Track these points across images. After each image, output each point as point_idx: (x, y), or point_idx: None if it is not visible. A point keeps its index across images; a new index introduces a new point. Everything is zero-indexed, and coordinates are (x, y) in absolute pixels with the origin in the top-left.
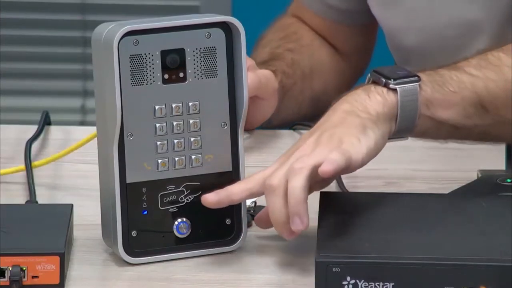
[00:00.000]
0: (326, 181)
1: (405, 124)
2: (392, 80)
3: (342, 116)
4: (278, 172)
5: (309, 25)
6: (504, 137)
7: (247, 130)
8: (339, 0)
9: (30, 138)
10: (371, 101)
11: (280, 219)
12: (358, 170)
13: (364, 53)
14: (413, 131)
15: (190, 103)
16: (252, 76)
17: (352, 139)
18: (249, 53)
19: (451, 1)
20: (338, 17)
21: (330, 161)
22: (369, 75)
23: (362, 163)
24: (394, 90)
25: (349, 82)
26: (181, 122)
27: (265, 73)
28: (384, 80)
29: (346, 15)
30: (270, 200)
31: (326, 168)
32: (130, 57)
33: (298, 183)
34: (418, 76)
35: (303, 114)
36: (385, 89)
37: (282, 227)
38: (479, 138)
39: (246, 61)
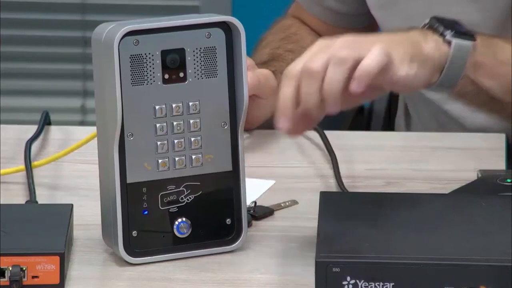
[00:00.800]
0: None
1: (448, 79)
2: (450, 31)
3: (396, 37)
4: (319, 56)
5: (309, 26)
6: None
7: (247, 130)
8: (339, 3)
9: (30, 138)
10: (426, 43)
11: (311, 102)
12: (358, 170)
13: None
14: (453, 89)
15: (190, 103)
16: (251, 75)
17: (399, 50)
18: (249, 53)
19: (449, 3)
20: (337, 20)
21: (372, 55)
22: (427, 20)
23: (401, 75)
24: (449, 42)
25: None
26: (181, 122)
27: (265, 72)
28: (442, 28)
29: (346, 18)
30: (305, 83)
31: (367, 63)
32: (130, 57)
33: (339, 75)
34: (474, 36)
35: None
36: (441, 39)
37: (311, 108)
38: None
39: (246, 61)
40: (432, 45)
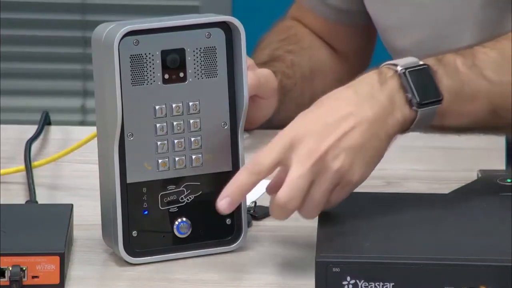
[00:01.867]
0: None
1: (412, 130)
2: (417, 100)
3: (367, 133)
4: (296, 189)
5: (309, 28)
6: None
7: (247, 130)
8: (340, 1)
9: (30, 138)
10: (392, 117)
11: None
12: None
13: (363, 55)
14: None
15: (190, 103)
16: (252, 75)
17: (361, 178)
18: (249, 53)
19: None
20: (338, 18)
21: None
22: (399, 73)
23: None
24: (416, 111)
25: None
26: (181, 122)
27: (265, 72)
28: (411, 95)
29: (347, 15)
30: (278, 213)
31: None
32: (130, 57)
33: (312, 215)
34: (441, 98)
35: None
36: (407, 106)
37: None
38: (481, 134)
39: (246, 61)
40: (398, 120)
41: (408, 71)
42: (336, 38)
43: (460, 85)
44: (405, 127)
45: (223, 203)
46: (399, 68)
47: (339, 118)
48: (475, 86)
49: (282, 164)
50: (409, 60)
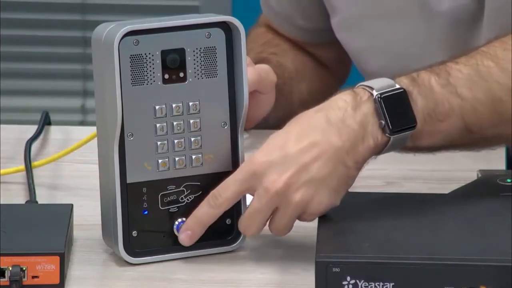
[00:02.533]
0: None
1: (383, 153)
2: (391, 127)
3: (332, 163)
4: (254, 220)
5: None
6: (485, 148)
7: (246, 128)
8: (305, 21)
9: (30, 138)
10: (364, 144)
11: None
12: None
13: (343, 63)
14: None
15: (190, 103)
16: (252, 70)
17: (327, 207)
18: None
19: (412, 22)
20: (306, 37)
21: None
22: (374, 97)
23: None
24: (388, 137)
25: (331, 88)
26: (181, 122)
27: (264, 67)
28: (384, 123)
29: (315, 34)
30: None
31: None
32: (130, 57)
33: (281, 234)
34: (415, 124)
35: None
36: (379, 131)
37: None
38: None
39: (246, 61)
40: (369, 144)
41: (384, 97)
42: (311, 51)
43: (434, 105)
44: (377, 151)
45: (183, 236)
46: (374, 93)
47: (302, 149)
48: (449, 105)
49: (248, 192)
50: (385, 83)
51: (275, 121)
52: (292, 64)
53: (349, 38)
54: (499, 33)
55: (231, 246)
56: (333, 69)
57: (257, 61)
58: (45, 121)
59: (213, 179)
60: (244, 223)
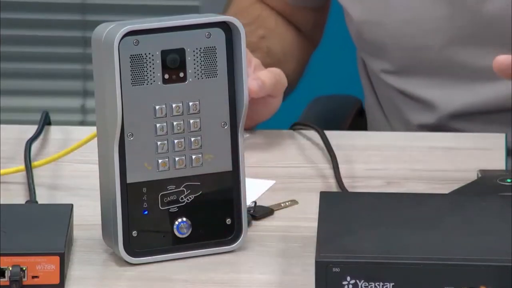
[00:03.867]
0: None
1: None
2: None
3: None
4: None
5: (270, 6)
6: None
7: (248, 128)
8: None
9: (30, 138)
10: None
11: None
12: (358, 170)
13: (319, 29)
14: None
15: (190, 103)
16: (268, 74)
17: None
18: None
19: None
20: (298, 0)
21: None
22: None
23: None
24: None
25: (307, 59)
26: (181, 122)
27: (277, 71)
28: None
29: None
30: None
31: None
32: (130, 57)
33: None
34: None
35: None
36: None
37: None
38: None
39: (246, 61)
40: None
41: None
42: (296, 17)
43: None
44: None
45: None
46: None
47: None
48: None
49: None
50: None
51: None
52: (280, 45)
53: (353, 6)
54: None
55: (231, 246)
56: (310, 37)
57: (250, 49)
58: (45, 121)
59: (213, 179)
60: None
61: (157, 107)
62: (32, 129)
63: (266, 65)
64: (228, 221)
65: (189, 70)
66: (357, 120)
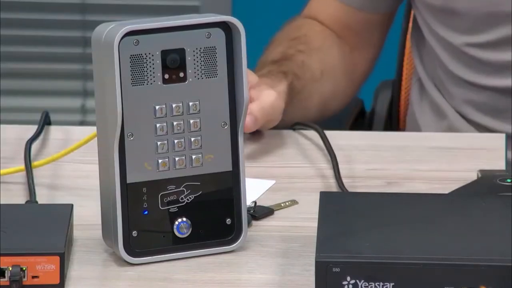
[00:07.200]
0: None
1: None
2: None
3: None
4: None
5: (325, 21)
6: None
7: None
8: None
9: (30, 138)
10: None
11: None
12: (358, 170)
13: (376, 45)
14: None
15: (190, 103)
16: (261, 111)
17: None
18: (249, 53)
19: None
20: (361, 3)
21: None
22: None
23: None
24: None
25: (360, 79)
26: (181, 122)
27: (270, 110)
28: None
29: (369, 1)
30: None
31: None
32: (130, 57)
33: None
34: None
35: (310, 118)
36: None
37: None
38: None
39: (246, 61)
40: None
41: None
42: (355, 26)
43: None
44: None
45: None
46: None
47: None
48: None
49: None
50: None
51: (285, 124)
52: (318, 64)
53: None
54: None
55: (231, 246)
56: (365, 54)
57: (283, 57)
58: (45, 121)
59: (213, 179)
60: None
61: (157, 107)
62: (32, 129)
63: (296, 76)
64: (228, 221)
65: (189, 70)
66: (358, 120)
